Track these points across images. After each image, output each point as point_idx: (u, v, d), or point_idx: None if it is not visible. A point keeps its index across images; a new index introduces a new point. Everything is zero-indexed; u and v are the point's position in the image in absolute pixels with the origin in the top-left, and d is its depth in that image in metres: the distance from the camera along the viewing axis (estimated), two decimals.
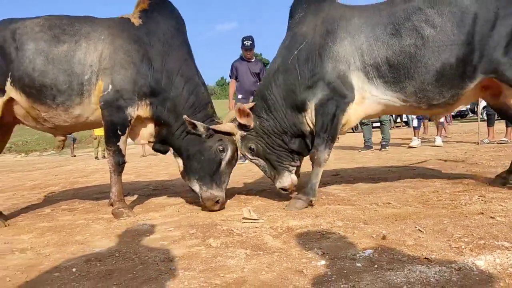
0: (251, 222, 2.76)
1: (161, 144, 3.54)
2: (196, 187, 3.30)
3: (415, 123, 8.56)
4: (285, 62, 3.24)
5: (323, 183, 4.02)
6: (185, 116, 3.20)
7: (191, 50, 3.62)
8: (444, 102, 3.07)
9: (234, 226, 2.71)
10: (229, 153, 3.28)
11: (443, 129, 8.47)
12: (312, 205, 3.08)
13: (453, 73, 2.93)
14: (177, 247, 2.34)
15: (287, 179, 3.29)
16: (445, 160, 5.52)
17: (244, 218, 2.83)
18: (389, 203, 3.01)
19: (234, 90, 7.52)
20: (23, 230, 3.17)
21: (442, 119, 8.27)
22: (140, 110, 3.32)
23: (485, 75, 2.95)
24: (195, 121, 3.21)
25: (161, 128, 3.43)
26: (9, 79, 3.30)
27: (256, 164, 3.41)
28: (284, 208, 3.12)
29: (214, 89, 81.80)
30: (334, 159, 6.67)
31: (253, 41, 7.29)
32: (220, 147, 3.26)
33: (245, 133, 3.32)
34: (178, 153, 3.44)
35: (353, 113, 3.13)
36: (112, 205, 3.34)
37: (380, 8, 3.14)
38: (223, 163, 3.27)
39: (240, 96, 7.28)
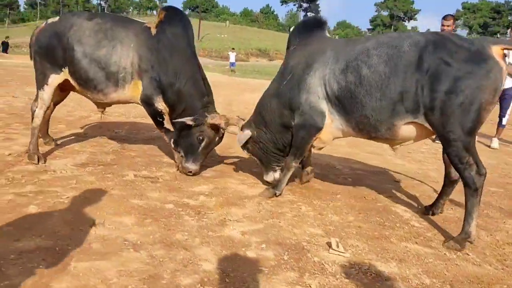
0: (338, 255, 2.93)
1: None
2: (179, 156, 4.50)
3: (504, 121, 7.94)
4: (278, 89, 3.89)
5: None
6: (175, 120, 4.37)
7: (194, 49, 4.58)
8: (383, 136, 3.40)
9: (323, 258, 2.88)
10: (204, 143, 4.37)
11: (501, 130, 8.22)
12: (276, 196, 3.90)
13: (384, 112, 3.22)
14: (277, 281, 2.53)
15: (271, 176, 4.17)
16: None
17: (331, 248, 3.00)
18: None
19: None
20: (119, 207, 3.43)
21: (504, 121, 8.07)
22: (163, 103, 4.40)
23: (416, 119, 3.17)
24: (181, 120, 4.28)
25: (170, 112, 4.48)
26: (66, 68, 4.38)
27: (252, 157, 4.32)
28: (258, 195, 3.95)
29: (258, 15, 79.91)
30: None
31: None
32: (200, 137, 4.34)
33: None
34: (175, 129, 4.50)
35: (324, 133, 3.72)
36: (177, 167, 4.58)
37: (348, 43, 3.56)
38: (200, 148, 4.38)
39: None
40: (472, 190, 3.06)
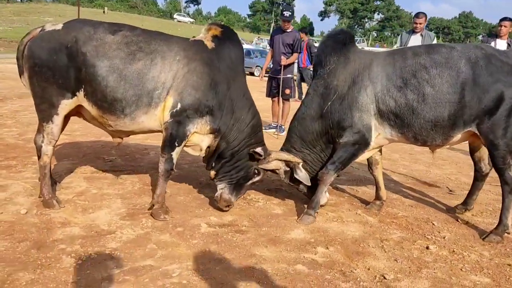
0: None
1: (211, 157, 3.92)
2: (221, 186, 3.88)
3: None
4: (320, 110, 3.80)
5: None
6: (254, 150, 3.78)
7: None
8: (435, 144, 3.66)
9: None
10: (258, 178, 3.96)
11: None
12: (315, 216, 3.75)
13: (444, 125, 3.48)
14: None
15: (325, 199, 3.97)
16: None
17: None
18: None
19: (269, 60, 7.98)
20: (230, 275, 2.75)
21: None
22: (198, 127, 3.68)
23: (471, 128, 3.51)
24: (259, 151, 3.78)
25: (220, 144, 3.82)
26: (81, 91, 3.55)
27: (298, 189, 4.09)
28: (296, 221, 3.77)
29: (137, 2, 75.94)
30: None
31: (292, 12, 7.46)
32: (256, 171, 3.91)
33: (288, 168, 3.93)
34: (222, 161, 3.88)
35: (368, 149, 3.77)
36: (152, 206, 3.73)
37: (395, 59, 3.63)
38: (250, 182, 3.94)
39: (271, 66, 7.84)
40: (510, 187, 3.49)
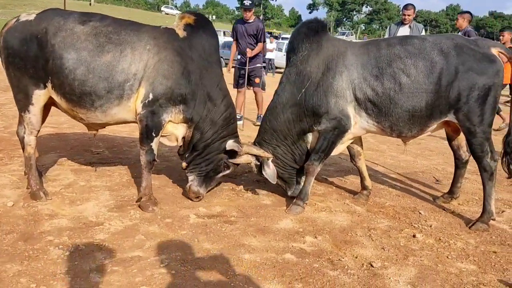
0: None
1: (187, 149, 3.89)
2: (191, 178, 3.86)
3: None
4: (294, 99, 3.74)
5: None
6: (229, 143, 3.75)
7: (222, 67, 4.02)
8: (411, 134, 3.70)
9: None
10: (227, 171, 3.94)
11: None
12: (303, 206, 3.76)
13: (422, 114, 3.51)
14: None
15: (297, 190, 3.95)
16: None
17: None
18: None
19: (234, 52, 7.80)
20: (227, 263, 2.76)
21: None
22: (172, 116, 3.64)
23: (447, 118, 3.56)
24: (236, 148, 3.75)
25: (195, 133, 3.76)
26: (49, 82, 3.49)
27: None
28: (285, 211, 3.78)
29: None
30: None
31: (252, 1, 7.44)
32: (226, 164, 3.88)
33: (259, 162, 3.89)
34: (194, 152, 3.84)
35: (347, 136, 3.75)
36: (140, 198, 3.68)
37: (369, 48, 3.64)
38: (220, 175, 3.94)
39: (239, 57, 7.66)
40: (489, 174, 3.54)
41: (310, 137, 3.87)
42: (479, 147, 3.51)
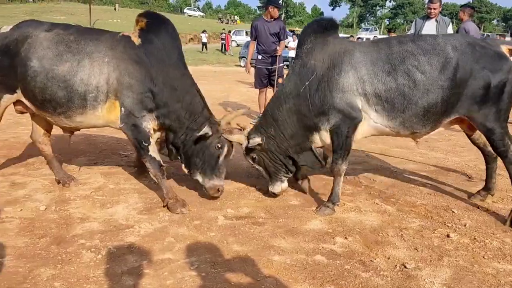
0: None
1: (168, 148, 3.98)
2: (199, 178, 3.86)
3: None
4: (297, 90, 3.68)
5: None
6: (198, 133, 3.71)
7: (184, 61, 3.99)
8: (425, 131, 3.61)
9: None
10: (225, 149, 3.85)
11: None
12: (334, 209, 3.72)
13: (436, 111, 3.45)
14: None
15: (278, 188, 3.94)
16: None
17: None
18: None
19: (253, 51, 7.62)
20: (257, 265, 2.73)
21: None
22: (154, 123, 3.74)
23: (460, 115, 3.50)
24: (202, 134, 3.70)
25: (168, 134, 3.86)
26: (19, 90, 3.72)
27: (256, 168, 4.02)
28: (313, 211, 3.74)
29: None
30: None
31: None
32: (218, 145, 3.81)
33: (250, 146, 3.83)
34: (181, 152, 3.91)
35: (360, 130, 3.65)
36: (165, 204, 3.73)
37: (379, 46, 3.59)
38: (221, 157, 3.84)
39: (259, 57, 7.47)
40: None
41: (316, 136, 3.79)
42: (500, 143, 3.46)
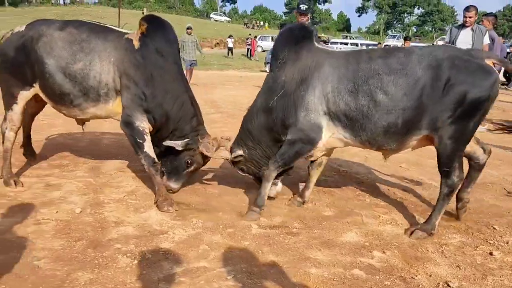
0: None
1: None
2: (165, 175, 4.14)
3: None
4: (266, 104, 3.72)
5: None
6: (165, 142, 3.94)
7: (181, 66, 4.19)
8: (390, 149, 3.51)
9: None
10: (192, 168, 4.11)
11: None
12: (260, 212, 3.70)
13: (398, 131, 3.33)
14: None
15: (273, 191, 3.98)
16: None
17: None
18: None
19: None
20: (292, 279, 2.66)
21: None
22: (145, 122, 3.90)
23: (427, 133, 3.34)
24: (171, 143, 3.92)
25: (154, 135, 4.02)
26: (36, 84, 3.97)
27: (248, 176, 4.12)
28: (242, 219, 3.68)
29: (174, 2, 77.36)
30: None
31: (309, 6, 7.15)
32: (189, 161, 4.05)
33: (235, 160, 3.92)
34: (159, 148, 4.08)
35: (322, 144, 3.63)
36: (155, 200, 3.88)
37: (349, 61, 3.46)
38: (185, 172, 4.11)
39: None
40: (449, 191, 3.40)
41: (278, 146, 3.80)
42: (448, 163, 3.33)
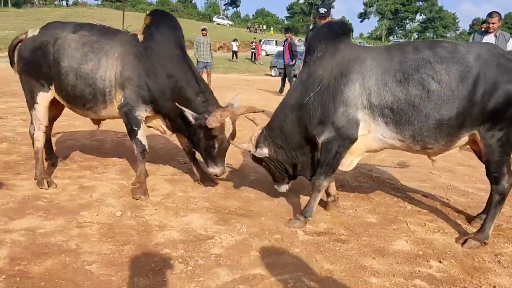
0: None
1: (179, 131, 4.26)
2: (205, 162, 4.10)
3: None
4: (302, 100, 3.56)
5: None
6: (185, 112, 3.85)
7: (184, 49, 4.14)
8: (438, 147, 3.34)
9: None
10: (217, 143, 3.92)
11: None
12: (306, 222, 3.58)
13: (450, 124, 3.18)
14: None
15: (284, 188, 4.01)
16: None
17: None
18: None
19: None
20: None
21: None
22: (147, 112, 4.03)
23: (474, 129, 3.22)
24: (183, 108, 3.84)
25: (173, 121, 4.12)
26: (52, 86, 4.06)
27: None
28: (285, 225, 3.57)
29: (176, 5, 77.28)
30: None
31: (329, 8, 7.07)
32: (210, 139, 3.91)
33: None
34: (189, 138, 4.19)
35: (356, 146, 3.50)
36: (133, 184, 4.02)
37: (393, 53, 3.35)
38: (216, 147, 3.94)
39: None
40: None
41: (308, 150, 3.74)
42: (497, 168, 3.24)
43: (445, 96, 3.16)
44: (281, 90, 14.78)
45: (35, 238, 3.10)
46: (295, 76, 14.28)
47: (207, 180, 4.49)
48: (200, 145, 4.04)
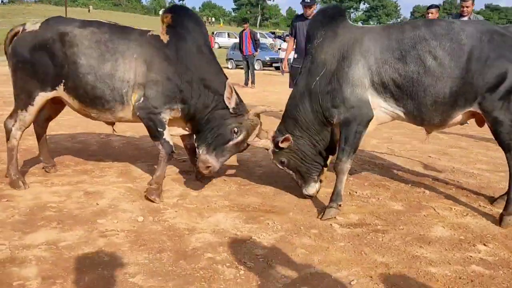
0: None
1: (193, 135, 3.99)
2: (199, 150, 3.76)
3: None
4: (309, 87, 3.60)
5: None
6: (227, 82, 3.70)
7: (210, 46, 4.01)
8: (434, 123, 3.51)
9: None
10: (240, 138, 3.71)
11: None
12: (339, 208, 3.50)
13: (445, 101, 3.31)
14: None
15: (313, 188, 3.79)
16: None
17: None
18: None
19: (291, 49, 7.47)
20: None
21: None
22: (172, 114, 3.80)
23: (472, 108, 3.34)
24: (234, 96, 3.68)
25: (194, 122, 3.86)
26: (61, 85, 3.70)
27: (286, 171, 3.86)
28: (319, 218, 3.46)
29: None
30: None
31: None
32: (235, 129, 3.69)
33: (277, 149, 3.72)
34: (198, 127, 3.85)
35: (371, 124, 3.55)
36: (149, 184, 3.73)
37: (390, 32, 3.46)
38: (231, 143, 3.70)
39: (296, 56, 7.24)
40: None
41: (328, 131, 3.73)
42: (507, 136, 3.30)
43: (440, 73, 3.25)
44: (246, 82, 14.65)
45: (61, 252, 2.78)
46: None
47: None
48: (215, 130, 3.73)
